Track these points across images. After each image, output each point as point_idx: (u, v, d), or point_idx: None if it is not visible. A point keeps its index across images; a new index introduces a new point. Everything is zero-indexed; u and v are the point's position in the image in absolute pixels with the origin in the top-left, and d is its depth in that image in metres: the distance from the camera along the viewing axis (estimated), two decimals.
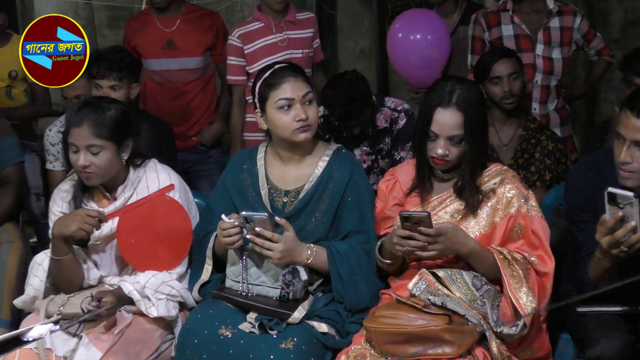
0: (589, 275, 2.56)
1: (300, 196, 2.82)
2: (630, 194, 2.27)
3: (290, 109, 2.74)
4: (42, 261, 2.85)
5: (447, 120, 2.59)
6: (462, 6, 4.27)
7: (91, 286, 2.87)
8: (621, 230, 2.29)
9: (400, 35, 4.03)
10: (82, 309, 2.62)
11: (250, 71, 4.06)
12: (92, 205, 2.87)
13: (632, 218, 2.26)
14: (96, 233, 2.79)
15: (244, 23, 4.18)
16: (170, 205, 2.88)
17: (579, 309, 2.68)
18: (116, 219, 2.83)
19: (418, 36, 3.96)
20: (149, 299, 2.76)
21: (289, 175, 2.86)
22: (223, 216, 2.70)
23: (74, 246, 2.81)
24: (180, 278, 2.88)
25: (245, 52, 4.06)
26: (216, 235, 2.78)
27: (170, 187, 2.91)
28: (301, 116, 2.73)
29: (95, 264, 2.88)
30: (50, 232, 2.92)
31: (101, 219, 2.75)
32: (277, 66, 2.83)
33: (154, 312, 2.75)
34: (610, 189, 2.29)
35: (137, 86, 3.57)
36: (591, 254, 2.52)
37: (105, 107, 2.81)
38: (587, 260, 2.55)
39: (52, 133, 3.85)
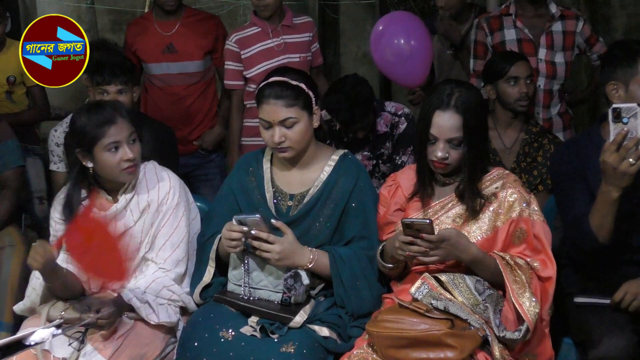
0: (591, 228, 2.60)
1: (305, 200, 2.82)
2: (634, 104, 2.41)
3: (270, 129, 2.73)
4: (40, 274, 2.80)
5: (445, 122, 2.58)
6: (477, 12, 4.26)
7: (93, 293, 2.86)
8: (630, 141, 2.40)
9: (377, 34, 3.96)
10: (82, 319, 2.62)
11: (247, 76, 4.06)
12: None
13: (637, 131, 2.40)
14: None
15: (240, 28, 4.18)
16: (91, 223, 2.79)
17: (576, 300, 2.70)
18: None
19: (390, 30, 3.87)
20: (150, 305, 2.75)
21: (294, 179, 2.86)
22: (234, 218, 2.67)
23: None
24: (179, 280, 2.87)
25: (243, 57, 4.05)
26: (220, 238, 2.78)
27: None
28: (275, 140, 2.71)
29: None
30: (50, 238, 2.92)
31: (46, 249, 2.65)
32: (270, 79, 2.77)
33: (154, 319, 2.74)
34: (615, 105, 2.43)
35: (138, 89, 3.57)
36: (589, 205, 2.61)
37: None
38: (586, 214, 2.62)
39: (58, 133, 3.84)
